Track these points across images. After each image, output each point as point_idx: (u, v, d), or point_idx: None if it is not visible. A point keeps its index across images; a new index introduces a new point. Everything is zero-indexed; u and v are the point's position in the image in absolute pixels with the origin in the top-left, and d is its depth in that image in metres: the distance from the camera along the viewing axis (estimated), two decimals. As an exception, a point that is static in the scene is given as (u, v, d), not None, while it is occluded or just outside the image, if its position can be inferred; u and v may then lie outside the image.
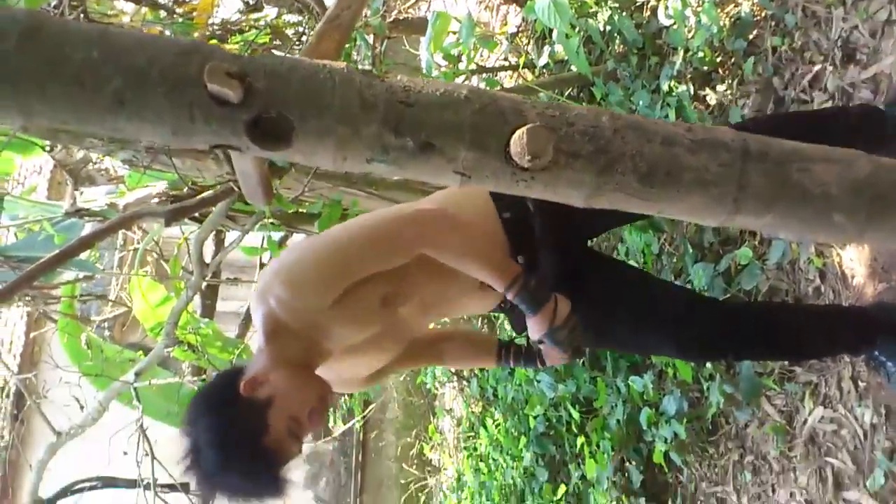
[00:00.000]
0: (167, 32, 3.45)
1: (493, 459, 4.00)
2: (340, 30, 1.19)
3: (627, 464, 2.87)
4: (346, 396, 6.57)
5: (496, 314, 3.42)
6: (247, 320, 4.05)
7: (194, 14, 3.72)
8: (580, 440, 3.03)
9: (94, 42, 0.88)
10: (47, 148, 3.77)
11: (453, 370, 4.89)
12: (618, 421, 2.84)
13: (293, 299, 1.43)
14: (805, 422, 2.17)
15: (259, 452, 1.38)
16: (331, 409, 1.54)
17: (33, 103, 0.87)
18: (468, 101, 0.92)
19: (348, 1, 1.26)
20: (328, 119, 0.88)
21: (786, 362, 2.26)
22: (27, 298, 3.45)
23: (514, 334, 1.95)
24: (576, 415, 3.06)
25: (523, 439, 3.54)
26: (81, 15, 3.20)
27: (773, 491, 2.29)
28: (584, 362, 3.18)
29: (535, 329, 1.57)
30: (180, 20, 3.68)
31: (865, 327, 1.85)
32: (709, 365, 2.43)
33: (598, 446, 2.92)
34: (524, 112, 0.93)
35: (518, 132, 0.88)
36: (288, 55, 0.91)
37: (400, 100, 0.90)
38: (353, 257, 1.48)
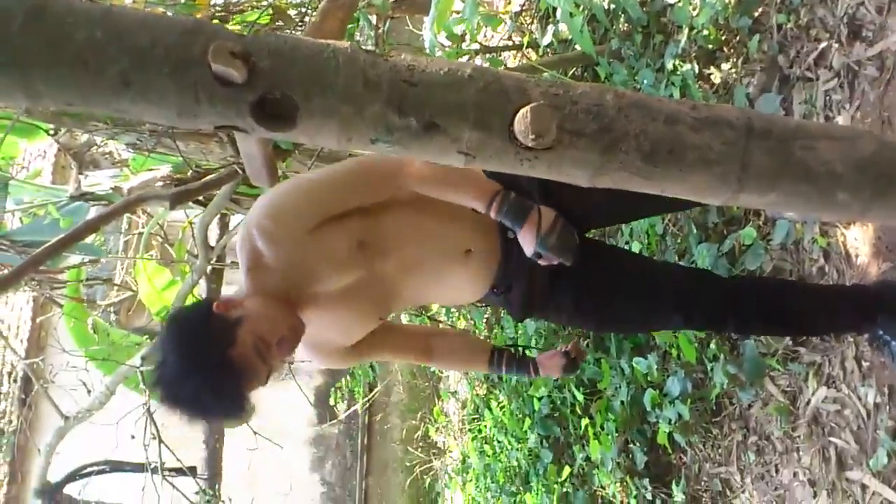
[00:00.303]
0: (169, 14, 3.44)
1: (498, 441, 4.03)
2: (344, 8, 1.18)
3: (631, 445, 2.89)
4: (348, 376, 6.60)
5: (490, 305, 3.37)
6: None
7: (196, -5, 3.70)
8: (584, 422, 3.04)
9: (97, 22, 0.88)
10: (51, 132, 3.77)
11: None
12: (622, 402, 2.85)
13: (274, 226, 1.46)
14: (808, 402, 2.18)
15: (223, 363, 1.37)
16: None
17: (38, 85, 0.87)
18: (472, 80, 0.92)
19: (351, -20, 1.25)
20: (332, 99, 0.88)
21: (789, 341, 2.26)
22: (33, 283, 3.46)
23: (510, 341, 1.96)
24: (580, 396, 3.07)
25: (527, 421, 3.56)
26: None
27: (777, 471, 2.31)
28: (588, 343, 3.19)
29: (526, 243, 1.58)
30: (182, 2, 3.66)
31: (868, 306, 1.84)
32: (713, 346, 2.44)
33: (602, 428, 2.94)
34: (528, 90, 0.93)
35: (522, 111, 0.88)
36: (292, 36, 0.91)
37: (404, 79, 0.90)
38: (335, 182, 1.52)
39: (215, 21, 3.60)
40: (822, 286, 2.13)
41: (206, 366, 1.37)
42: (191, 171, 2.91)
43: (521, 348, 1.93)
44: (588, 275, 1.71)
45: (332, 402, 6.54)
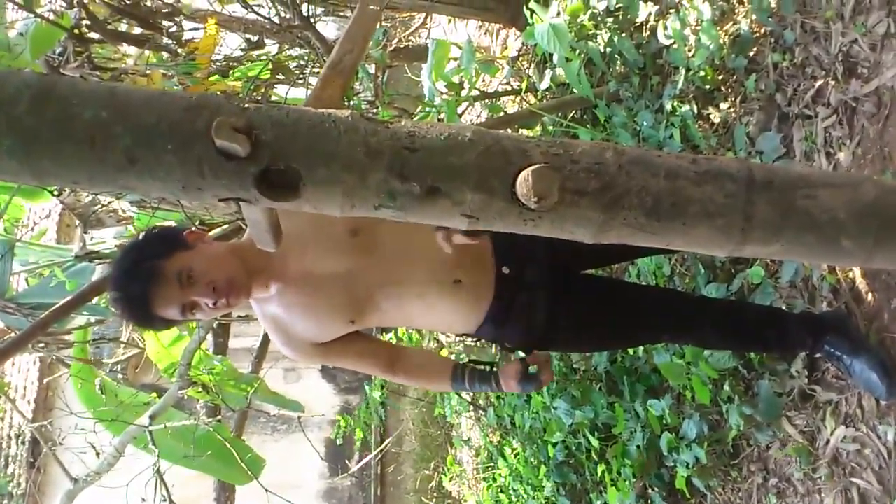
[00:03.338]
0: (171, 73, 3.49)
1: (514, 490, 3.96)
2: (343, 75, 1.20)
3: (650, 490, 2.83)
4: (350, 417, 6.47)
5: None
6: (259, 357, 4.05)
7: (196, 54, 3.77)
8: (601, 468, 2.99)
9: (103, 101, 0.89)
10: (56, 192, 3.81)
11: (468, 398, 4.86)
12: (638, 447, 2.80)
13: None
14: (827, 442, 2.14)
15: (144, 266, 1.51)
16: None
17: (46, 165, 0.88)
18: (472, 144, 0.92)
19: (350, 45, 1.27)
20: (335, 168, 0.88)
21: (805, 381, 2.23)
22: (40, 345, 3.46)
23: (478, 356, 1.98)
24: (595, 442, 3.03)
25: (543, 468, 3.50)
26: (86, 62, 3.24)
27: (799, 513, 2.26)
28: (600, 387, 3.15)
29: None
30: (183, 60, 3.72)
31: (815, 326, 2.01)
32: (726, 387, 2.41)
33: (619, 473, 2.89)
34: (528, 151, 0.93)
35: (523, 174, 0.88)
36: (293, 107, 0.92)
37: (404, 146, 0.90)
38: None
39: (216, 78, 3.65)
40: (772, 307, 2.27)
41: (132, 264, 1.54)
42: (195, 227, 2.92)
43: (485, 365, 1.89)
44: (583, 307, 1.85)
45: (331, 435, 6.36)
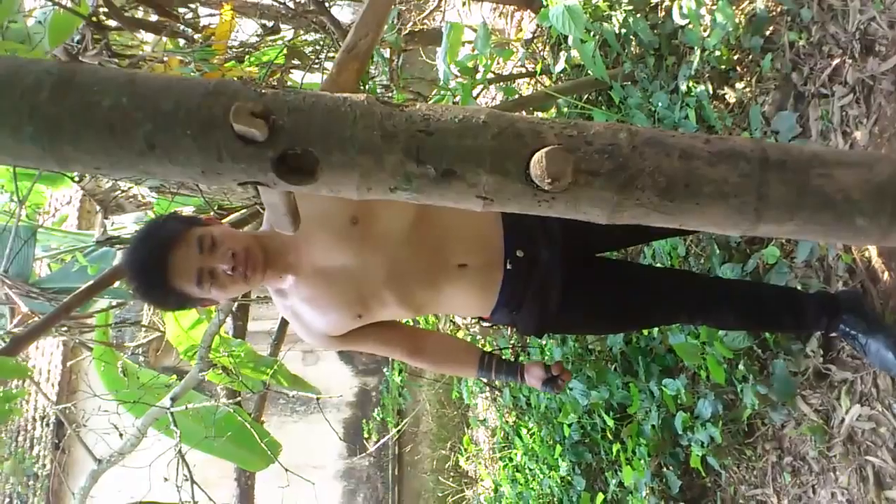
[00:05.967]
0: (188, 59, 3.51)
1: (530, 469, 3.99)
2: (359, 59, 1.21)
3: (665, 469, 2.85)
4: (379, 407, 6.58)
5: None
6: (278, 340, 4.09)
7: (213, 40, 3.78)
8: (616, 447, 3.01)
9: (122, 88, 0.91)
10: (76, 178, 3.85)
11: (485, 381, 4.89)
12: (653, 426, 2.82)
13: None
14: (842, 420, 2.15)
15: (166, 233, 1.51)
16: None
17: (68, 152, 0.90)
18: (486, 126, 0.93)
19: (365, 29, 1.28)
20: (351, 152, 0.90)
21: (819, 360, 2.23)
22: (63, 329, 3.51)
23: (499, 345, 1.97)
24: (610, 422, 3.05)
25: (558, 448, 3.53)
26: (104, 49, 3.27)
27: (814, 492, 2.27)
28: (615, 367, 3.17)
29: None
30: (200, 47, 3.74)
31: (831, 306, 1.99)
32: (741, 366, 2.41)
33: (634, 452, 2.90)
34: (542, 133, 0.94)
35: (537, 155, 0.89)
36: (310, 91, 0.93)
37: (420, 129, 0.92)
38: None
39: (232, 64, 3.67)
40: (788, 287, 2.26)
41: (152, 234, 1.54)
42: (213, 212, 2.95)
43: (510, 348, 1.95)
44: (598, 291, 1.87)
45: (365, 434, 6.55)
